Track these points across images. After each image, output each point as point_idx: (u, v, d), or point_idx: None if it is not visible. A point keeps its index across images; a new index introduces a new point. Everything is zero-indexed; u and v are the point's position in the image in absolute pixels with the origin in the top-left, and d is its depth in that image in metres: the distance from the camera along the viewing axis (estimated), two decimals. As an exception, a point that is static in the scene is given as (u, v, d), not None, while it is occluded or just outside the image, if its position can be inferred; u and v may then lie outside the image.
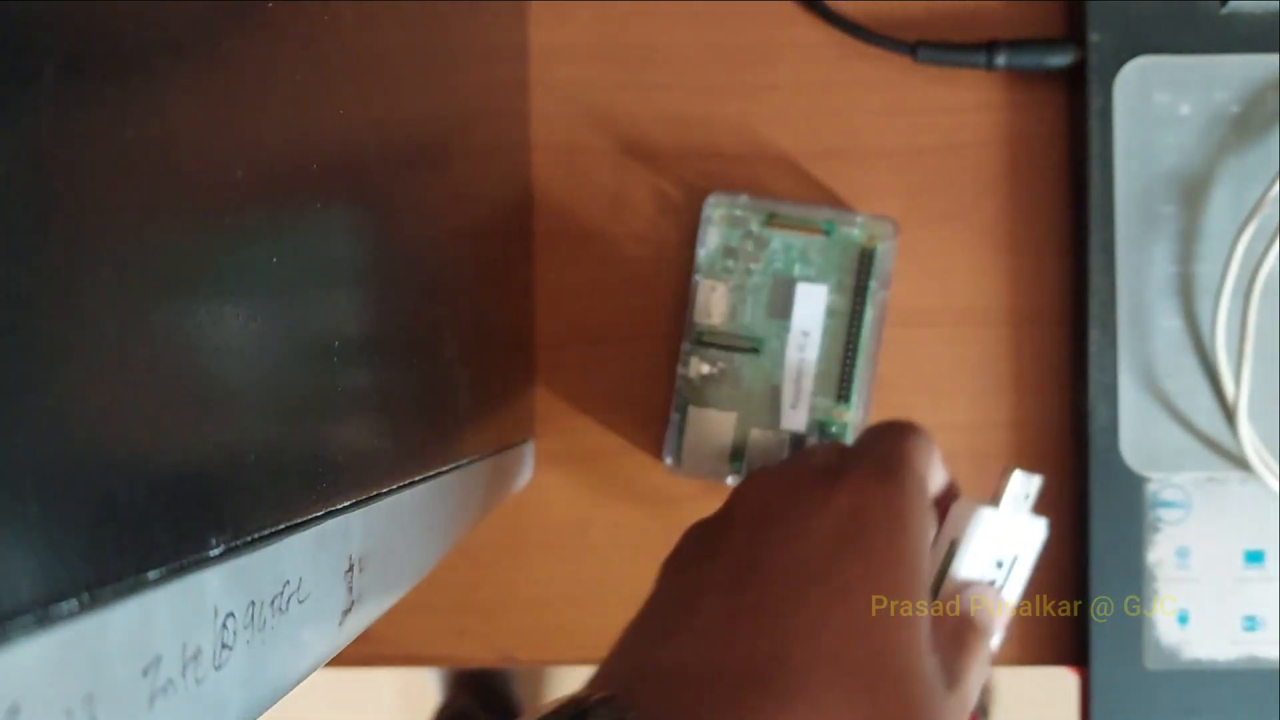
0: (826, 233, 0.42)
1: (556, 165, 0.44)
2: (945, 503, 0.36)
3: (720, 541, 0.31)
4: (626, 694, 0.25)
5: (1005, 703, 1.37)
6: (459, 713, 1.33)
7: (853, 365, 0.42)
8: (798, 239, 0.42)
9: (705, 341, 0.42)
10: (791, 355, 0.42)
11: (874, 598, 0.28)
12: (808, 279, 0.42)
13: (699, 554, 0.31)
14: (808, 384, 0.42)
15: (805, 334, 0.42)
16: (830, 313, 0.42)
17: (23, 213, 0.11)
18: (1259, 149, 0.41)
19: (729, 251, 0.42)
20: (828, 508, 0.30)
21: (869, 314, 0.42)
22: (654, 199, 0.44)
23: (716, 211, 0.42)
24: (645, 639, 0.30)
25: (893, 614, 0.28)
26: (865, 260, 0.42)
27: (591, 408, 0.44)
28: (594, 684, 0.28)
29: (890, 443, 0.34)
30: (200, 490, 0.15)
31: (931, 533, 0.33)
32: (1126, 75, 0.41)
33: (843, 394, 0.42)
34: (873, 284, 0.42)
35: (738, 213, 0.42)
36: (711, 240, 0.42)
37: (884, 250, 0.42)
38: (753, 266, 0.42)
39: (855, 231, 0.42)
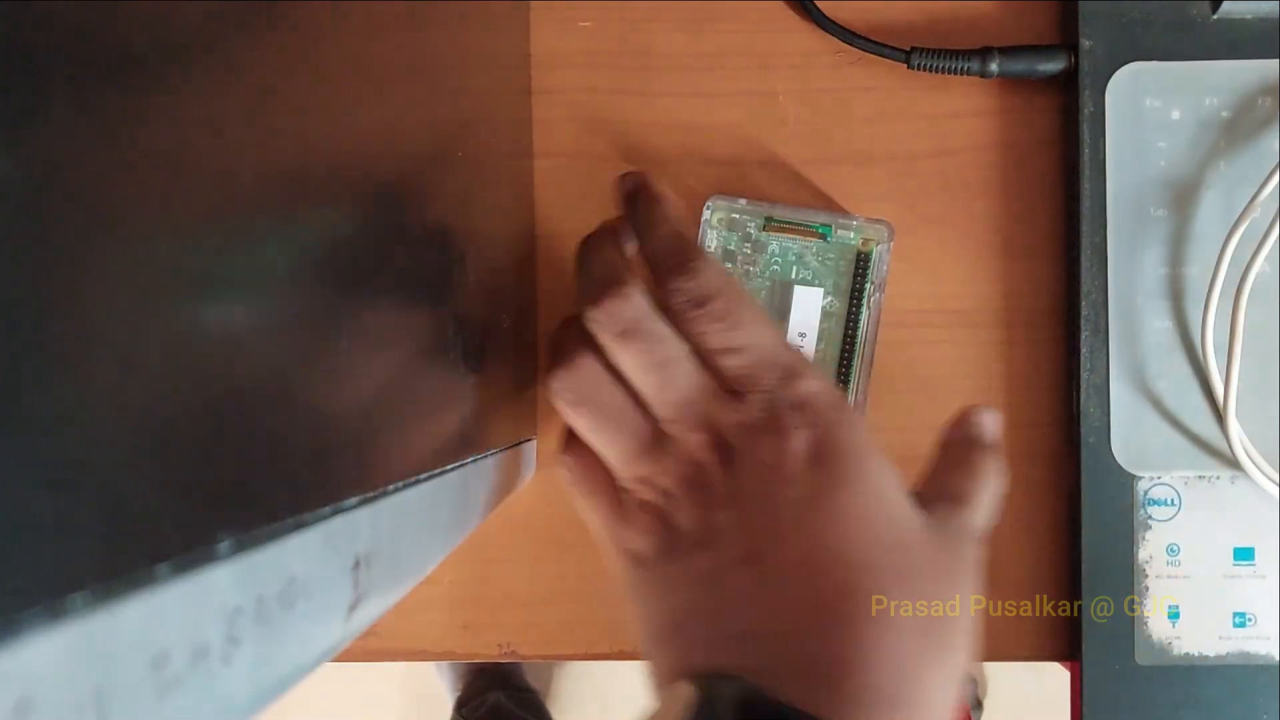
0: (823, 236, 0.42)
1: (557, 169, 0.44)
2: None
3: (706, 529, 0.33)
4: (726, 671, 0.29)
5: (998, 698, 1.37)
6: (495, 708, 1.32)
7: (849, 366, 0.42)
8: (795, 242, 0.43)
9: (704, 343, 0.43)
10: (789, 356, 0.43)
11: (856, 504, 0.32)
12: (805, 282, 0.43)
13: (691, 545, 0.33)
14: (805, 384, 0.42)
15: (802, 335, 0.43)
16: (826, 315, 0.43)
17: (35, 214, 0.11)
18: (1249, 153, 0.42)
19: (728, 254, 0.43)
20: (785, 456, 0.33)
21: (864, 316, 0.42)
22: (653, 203, 0.44)
23: (715, 215, 0.43)
24: (694, 626, 0.33)
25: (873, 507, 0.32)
26: (861, 263, 0.42)
27: (592, 408, 0.45)
28: (667, 679, 0.32)
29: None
30: (209, 487, 0.15)
31: None
32: (1118, 81, 0.42)
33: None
34: (868, 286, 0.42)
35: (736, 216, 0.43)
36: (710, 243, 0.43)
37: (879, 253, 0.42)
38: (751, 269, 0.43)
39: (851, 235, 0.42)
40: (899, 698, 0.29)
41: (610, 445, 0.35)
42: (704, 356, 0.35)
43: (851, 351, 0.42)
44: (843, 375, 0.42)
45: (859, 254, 0.42)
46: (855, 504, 0.32)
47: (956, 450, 0.36)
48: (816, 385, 0.34)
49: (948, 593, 0.32)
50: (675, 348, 0.34)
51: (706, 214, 0.43)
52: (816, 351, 0.43)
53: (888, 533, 0.32)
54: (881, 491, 0.32)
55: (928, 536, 0.32)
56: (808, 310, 0.42)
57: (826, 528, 0.31)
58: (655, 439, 0.35)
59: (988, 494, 0.35)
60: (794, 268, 0.43)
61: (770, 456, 0.33)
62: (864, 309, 0.42)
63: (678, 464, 0.34)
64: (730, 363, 0.34)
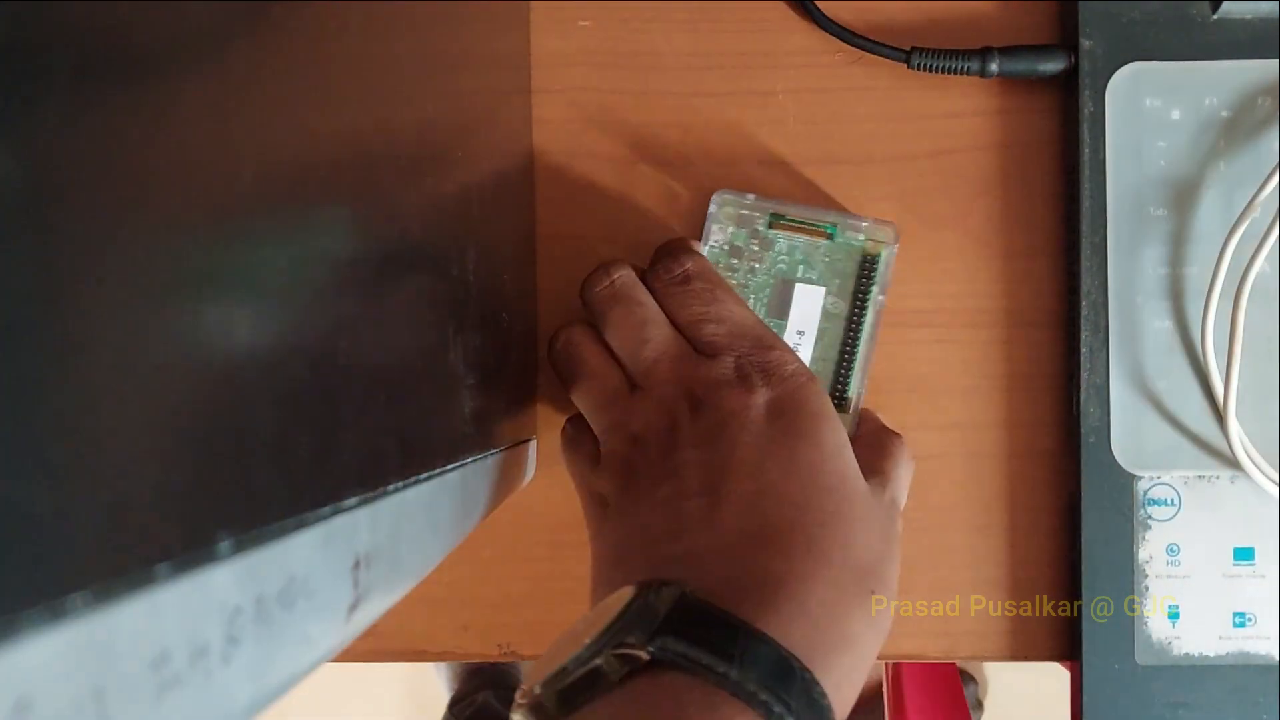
0: (829, 236, 0.42)
1: (557, 170, 0.44)
2: None
3: (667, 462, 0.36)
4: (657, 580, 0.31)
5: (997, 698, 1.37)
6: (483, 707, 1.33)
7: (849, 367, 0.42)
8: (801, 241, 0.43)
9: (704, 342, 0.43)
10: (789, 356, 0.43)
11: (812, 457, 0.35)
12: (809, 281, 0.43)
13: (653, 479, 0.36)
14: (805, 384, 0.42)
15: (800, 333, 0.42)
16: (827, 315, 0.43)
17: (36, 214, 0.11)
18: (1248, 153, 0.42)
19: (734, 251, 0.43)
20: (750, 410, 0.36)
21: (868, 318, 0.42)
22: (653, 203, 0.44)
23: (723, 209, 0.43)
24: (645, 549, 0.35)
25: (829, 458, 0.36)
26: (867, 265, 0.42)
27: (592, 407, 0.45)
28: (604, 591, 0.33)
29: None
30: (210, 487, 0.15)
31: None
32: (1118, 81, 0.42)
33: (838, 394, 0.42)
34: (873, 289, 0.42)
35: (744, 211, 0.43)
36: (716, 236, 0.43)
37: (886, 256, 0.42)
38: (756, 266, 0.43)
39: (859, 236, 0.42)
40: (820, 622, 0.31)
41: (587, 396, 0.39)
42: (682, 328, 0.39)
43: (851, 351, 0.42)
44: (842, 375, 0.42)
45: (865, 255, 0.42)
46: (808, 454, 0.35)
47: (870, 437, 0.40)
48: (785, 355, 0.38)
49: (880, 547, 0.35)
50: (655, 313, 0.39)
51: (713, 207, 0.43)
52: (815, 350, 0.43)
53: (833, 483, 0.35)
54: (835, 448, 0.36)
55: (866, 497, 0.36)
56: (807, 308, 0.42)
57: (779, 471, 0.35)
58: (629, 389, 0.39)
59: (904, 474, 0.39)
60: (799, 266, 0.43)
61: (735, 405, 0.36)
62: (867, 310, 0.42)
63: (649, 410, 0.38)
64: (707, 330, 0.38)
